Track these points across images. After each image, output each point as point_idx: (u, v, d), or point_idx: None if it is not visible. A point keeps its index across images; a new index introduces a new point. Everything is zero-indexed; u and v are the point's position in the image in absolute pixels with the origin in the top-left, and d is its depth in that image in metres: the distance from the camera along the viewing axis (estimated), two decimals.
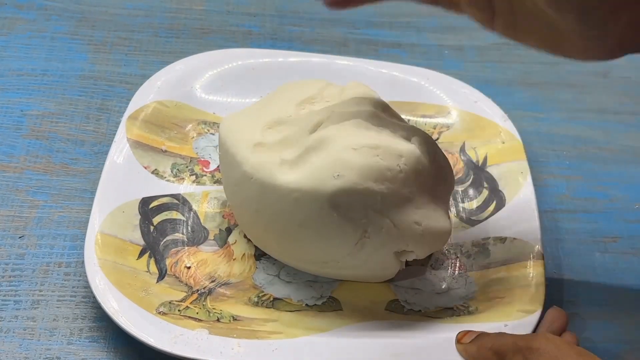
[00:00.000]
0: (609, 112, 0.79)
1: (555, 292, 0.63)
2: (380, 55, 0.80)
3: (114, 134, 0.66)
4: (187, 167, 0.67)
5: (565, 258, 0.66)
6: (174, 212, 0.64)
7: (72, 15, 0.80)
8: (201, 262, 0.62)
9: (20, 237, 0.63)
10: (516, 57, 0.83)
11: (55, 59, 0.76)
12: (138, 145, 0.66)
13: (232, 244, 0.63)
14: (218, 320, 0.58)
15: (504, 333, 0.54)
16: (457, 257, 0.64)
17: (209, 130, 0.70)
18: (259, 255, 0.62)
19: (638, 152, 0.75)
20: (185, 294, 0.59)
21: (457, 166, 0.70)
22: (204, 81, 0.72)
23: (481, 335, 0.55)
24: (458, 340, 0.56)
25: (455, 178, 0.67)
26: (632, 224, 0.69)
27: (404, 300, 0.61)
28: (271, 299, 0.60)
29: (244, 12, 0.84)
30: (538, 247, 0.62)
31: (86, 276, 0.57)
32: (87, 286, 0.59)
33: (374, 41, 0.82)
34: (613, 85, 0.81)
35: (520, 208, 0.65)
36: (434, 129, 0.72)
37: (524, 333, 0.56)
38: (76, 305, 0.59)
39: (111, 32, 0.79)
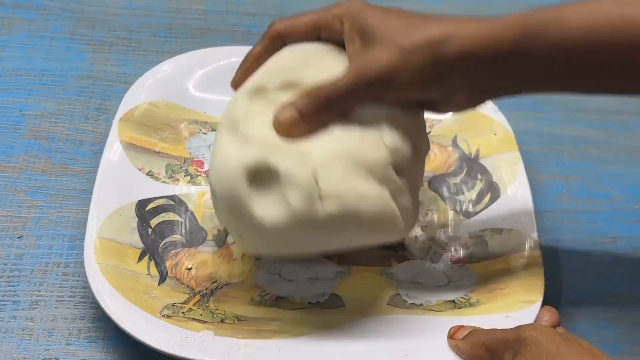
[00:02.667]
0: (609, 112, 0.78)
1: (555, 292, 0.63)
2: None
3: None
4: (181, 167, 0.67)
5: (565, 258, 0.66)
6: (171, 214, 0.64)
7: (71, 15, 0.80)
8: (201, 263, 0.62)
9: (19, 237, 0.63)
10: None
11: (54, 58, 0.76)
12: (131, 147, 0.66)
13: (231, 244, 0.63)
14: (222, 321, 0.58)
15: (495, 329, 0.55)
16: (456, 249, 0.64)
17: (200, 130, 0.70)
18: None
19: (638, 152, 0.75)
20: (187, 296, 0.59)
21: (450, 159, 0.70)
22: (193, 80, 0.72)
23: (473, 331, 0.55)
24: (450, 336, 0.56)
25: (449, 171, 0.69)
26: (632, 224, 0.69)
27: (405, 294, 0.61)
28: (274, 297, 0.60)
29: (244, 12, 0.84)
30: (535, 237, 0.63)
31: (85, 276, 0.57)
32: (86, 287, 0.59)
33: None
34: None
35: (515, 199, 0.66)
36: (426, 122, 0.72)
37: (526, 323, 0.57)
38: (75, 305, 0.59)
39: (110, 32, 0.79)
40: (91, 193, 0.62)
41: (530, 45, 0.50)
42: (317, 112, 0.53)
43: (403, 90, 0.53)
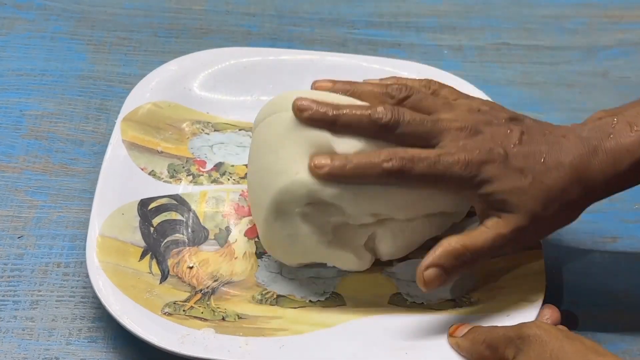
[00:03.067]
0: None
1: (555, 292, 0.63)
2: (380, 55, 0.80)
3: None
4: (183, 167, 0.67)
5: (565, 258, 0.66)
6: (173, 213, 0.64)
7: (71, 15, 0.80)
8: (203, 261, 0.62)
9: (19, 237, 0.63)
10: (516, 57, 0.83)
11: (54, 59, 0.76)
12: (134, 147, 0.66)
13: (233, 243, 0.63)
14: (223, 319, 0.58)
15: (496, 326, 0.55)
16: None
17: (203, 130, 0.70)
18: (260, 253, 0.63)
19: None
20: (189, 294, 0.59)
21: None
22: (196, 81, 0.72)
23: (473, 329, 0.55)
24: (450, 334, 0.56)
25: None
26: (631, 224, 0.69)
27: (406, 293, 0.61)
28: (275, 296, 0.60)
29: (244, 12, 0.84)
30: None
31: (85, 276, 0.57)
32: (86, 286, 0.59)
33: (374, 41, 0.82)
34: (613, 85, 0.81)
35: None
36: None
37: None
38: (75, 305, 0.59)
39: (110, 32, 0.79)
40: (91, 193, 0.62)
41: None
42: (461, 267, 0.56)
43: None
